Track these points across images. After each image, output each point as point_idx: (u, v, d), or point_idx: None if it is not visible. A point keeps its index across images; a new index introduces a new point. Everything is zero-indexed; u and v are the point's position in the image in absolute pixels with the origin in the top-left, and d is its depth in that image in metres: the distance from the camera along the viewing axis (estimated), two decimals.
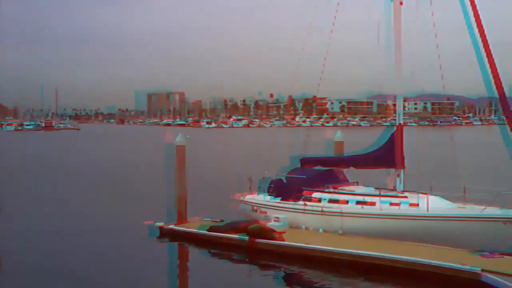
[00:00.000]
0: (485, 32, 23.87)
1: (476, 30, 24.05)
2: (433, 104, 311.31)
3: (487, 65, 23.76)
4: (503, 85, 23.78)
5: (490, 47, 23.83)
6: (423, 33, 26.61)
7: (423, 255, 21.89)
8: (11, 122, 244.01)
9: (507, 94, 23.96)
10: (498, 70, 23.67)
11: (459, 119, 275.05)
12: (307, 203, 27.55)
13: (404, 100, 28.75)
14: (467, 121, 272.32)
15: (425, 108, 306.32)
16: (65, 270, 23.52)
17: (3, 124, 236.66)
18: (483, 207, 23.72)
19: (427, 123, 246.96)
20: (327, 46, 29.91)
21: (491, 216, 23.05)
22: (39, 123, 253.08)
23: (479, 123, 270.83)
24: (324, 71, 30.33)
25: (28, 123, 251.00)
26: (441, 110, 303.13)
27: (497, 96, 23.78)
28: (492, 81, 23.74)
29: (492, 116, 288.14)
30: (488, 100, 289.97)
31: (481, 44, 23.89)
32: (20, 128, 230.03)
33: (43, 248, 26.97)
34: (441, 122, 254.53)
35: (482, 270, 20.18)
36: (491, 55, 23.79)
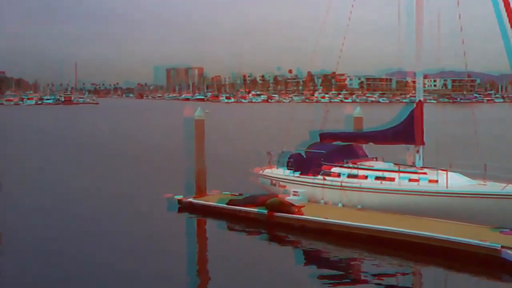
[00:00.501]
0: (511, 5, 23.46)
1: (501, 4, 23.66)
2: (453, 81, 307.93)
3: (511, 40, 23.40)
4: None
5: None
6: (445, 8, 26.30)
7: (442, 231, 21.85)
8: (31, 97, 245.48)
9: None
10: None
11: (480, 96, 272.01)
12: (326, 177, 27.59)
13: (424, 77, 28.52)
14: (489, 98, 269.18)
15: (445, 85, 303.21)
16: (76, 244, 23.75)
17: (23, 98, 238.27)
18: (503, 184, 23.58)
19: (446, 100, 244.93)
20: (347, 22, 29.71)
21: (511, 194, 22.92)
22: (59, 97, 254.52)
23: (501, 100, 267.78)
24: (343, 47, 30.19)
25: (48, 97, 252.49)
26: (462, 87, 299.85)
27: None
28: None
29: None
30: (510, 77, 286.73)
31: (506, 19, 23.49)
32: (40, 102, 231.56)
33: (56, 223, 27.11)
34: (461, 99, 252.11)
35: (502, 247, 20.08)
36: None
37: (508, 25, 23.48)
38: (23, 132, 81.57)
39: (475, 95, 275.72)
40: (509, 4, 23.50)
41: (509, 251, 19.82)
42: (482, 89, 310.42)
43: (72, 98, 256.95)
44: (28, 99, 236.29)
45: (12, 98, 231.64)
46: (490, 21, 24.18)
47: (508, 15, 23.55)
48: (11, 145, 54.99)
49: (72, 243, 23.69)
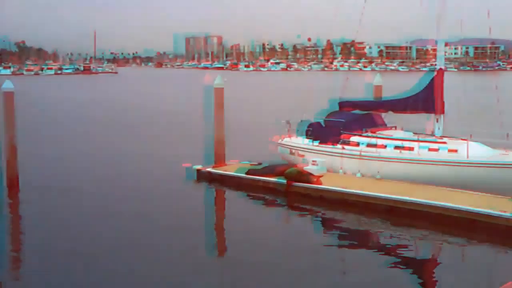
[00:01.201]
0: None
1: None
2: (475, 48, 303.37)
3: None
4: None
5: None
6: None
7: (461, 202, 21.75)
8: (51, 66, 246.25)
9: None
10: None
11: (503, 64, 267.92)
12: (345, 147, 27.47)
13: (445, 45, 28.08)
14: None
15: (466, 53, 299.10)
16: (95, 213, 24.00)
17: (43, 67, 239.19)
18: None
19: (468, 68, 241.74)
20: None
21: None
22: (78, 66, 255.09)
23: None
24: (363, 15, 29.80)
25: (67, 67, 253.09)
26: (484, 54, 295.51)
27: None
28: None
29: None
30: None
31: None
32: (59, 72, 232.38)
33: (74, 195, 27.15)
34: (483, 67, 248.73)
35: None
36: None
37: None
38: (43, 103, 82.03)
39: (498, 62, 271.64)
40: None
41: None
42: (505, 56, 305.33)
43: (91, 67, 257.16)
44: (48, 68, 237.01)
45: (32, 68, 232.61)
46: None
47: None
48: (30, 117, 55.33)
49: (91, 214, 23.91)
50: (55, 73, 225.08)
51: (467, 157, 24.11)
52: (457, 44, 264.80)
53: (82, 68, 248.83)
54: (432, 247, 20.44)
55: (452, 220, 21.26)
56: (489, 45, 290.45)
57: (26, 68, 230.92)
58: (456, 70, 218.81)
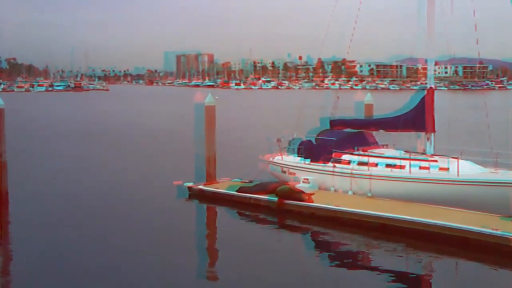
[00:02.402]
0: None
1: None
2: (464, 68, 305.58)
3: None
4: None
5: None
6: None
7: (452, 220, 21.76)
8: (41, 83, 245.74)
9: None
10: None
11: (491, 83, 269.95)
12: (337, 165, 27.50)
13: (435, 64, 28.28)
14: (500, 85, 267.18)
15: (456, 72, 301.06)
16: (88, 231, 23.78)
17: (34, 84, 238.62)
18: None
19: (457, 87, 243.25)
20: (358, 9, 29.49)
21: None
22: (69, 83, 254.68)
23: None
24: (354, 34, 30.01)
25: (58, 84, 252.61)
26: (473, 74, 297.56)
27: None
28: None
29: None
30: None
31: None
32: (50, 89, 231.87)
33: (68, 213, 26.87)
34: (472, 86, 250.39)
35: None
36: None
37: None
38: (34, 119, 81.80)
39: (487, 82, 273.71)
40: None
41: None
42: (494, 75, 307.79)
43: (82, 84, 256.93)
44: (39, 85, 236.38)
45: (23, 85, 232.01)
46: (503, 8, 23.92)
47: None
48: (22, 132, 55.18)
49: (81, 230, 23.76)
50: (46, 90, 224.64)
51: (458, 175, 24.20)
52: (446, 63, 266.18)
53: (73, 85, 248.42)
54: (423, 265, 20.41)
55: (443, 238, 21.26)
56: (477, 65, 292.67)
57: (16, 85, 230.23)
58: (446, 88, 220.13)
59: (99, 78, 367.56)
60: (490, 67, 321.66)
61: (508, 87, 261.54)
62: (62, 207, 27.72)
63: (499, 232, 20.28)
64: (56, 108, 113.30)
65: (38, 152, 46.81)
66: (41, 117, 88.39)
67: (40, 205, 28.01)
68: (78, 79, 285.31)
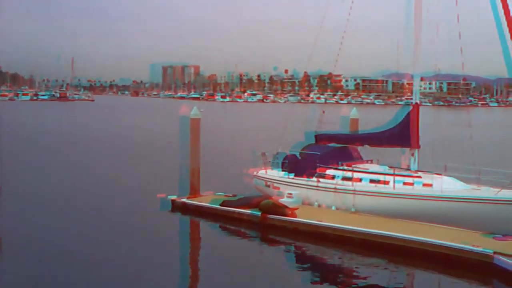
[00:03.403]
0: (510, 8, 23.35)
1: (500, 10, 23.56)
2: (448, 84, 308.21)
3: (510, 44, 23.27)
4: None
5: None
6: (444, 12, 26.21)
7: (435, 236, 21.81)
8: (26, 92, 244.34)
9: None
10: None
11: (474, 100, 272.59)
12: (321, 180, 27.49)
13: (420, 80, 28.45)
14: (483, 102, 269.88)
15: (440, 88, 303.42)
16: (71, 245, 23.46)
17: (18, 93, 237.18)
18: (497, 189, 23.53)
19: (442, 103, 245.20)
20: (345, 23, 29.63)
21: (505, 199, 22.85)
22: (54, 93, 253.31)
23: (496, 104, 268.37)
24: (341, 48, 30.11)
25: (43, 93, 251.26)
26: (457, 90, 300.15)
27: None
28: None
29: (510, 98, 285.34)
30: (506, 81, 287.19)
31: (504, 22, 23.38)
32: (35, 98, 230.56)
33: (52, 226, 26.66)
34: (456, 102, 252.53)
35: (494, 253, 20.08)
36: None
37: (507, 30, 23.38)
38: (18, 129, 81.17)
39: (470, 98, 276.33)
40: (508, 10, 23.42)
41: (501, 257, 19.80)
42: (477, 92, 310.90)
43: (68, 94, 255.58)
44: (23, 94, 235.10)
45: (7, 94, 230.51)
46: (487, 25, 24.12)
47: (507, 21, 23.45)
48: (5, 142, 54.69)
49: (64, 242, 23.53)
50: (31, 99, 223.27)
51: (441, 191, 24.27)
52: (431, 79, 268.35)
53: (58, 95, 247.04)
54: (405, 281, 20.45)
55: (426, 254, 21.28)
56: (461, 81, 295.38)
57: (0, 94, 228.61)
58: (430, 104, 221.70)
59: (85, 88, 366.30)
60: (473, 84, 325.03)
61: (490, 104, 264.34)
62: (42, 218, 27.43)
63: (479, 249, 20.36)
64: (40, 118, 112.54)
65: (21, 162, 46.35)
66: (25, 126, 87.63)
67: (22, 215, 27.68)
68: (64, 89, 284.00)
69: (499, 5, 23.71)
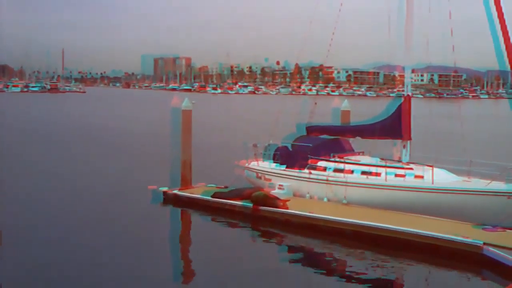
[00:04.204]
0: (501, 1, 23.43)
1: (491, 3, 23.63)
2: (440, 76, 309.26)
3: (501, 37, 23.35)
4: None
5: (505, 17, 23.39)
6: (435, 3, 26.22)
7: (426, 228, 21.91)
8: (16, 84, 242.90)
9: None
10: None
11: (465, 92, 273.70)
12: (312, 171, 27.53)
13: (412, 72, 28.50)
14: (474, 94, 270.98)
15: (431, 80, 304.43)
16: (65, 238, 23.36)
17: (8, 85, 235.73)
18: (488, 181, 23.66)
19: (433, 95, 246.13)
20: (337, 15, 29.60)
21: (495, 191, 22.99)
22: (45, 85, 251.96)
23: (486, 96, 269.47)
24: (332, 40, 30.10)
25: (33, 85, 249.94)
26: (448, 82, 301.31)
27: (509, 69, 23.44)
28: (505, 53, 23.37)
29: (500, 90, 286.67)
30: (497, 73, 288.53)
31: (495, 15, 23.45)
32: (25, 90, 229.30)
33: (43, 218, 26.46)
34: (447, 94, 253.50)
35: (484, 244, 20.22)
36: (506, 26, 23.38)
37: (497, 22, 23.46)
38: (9, 121, 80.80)
39: (461, 90, 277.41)
40: (499, 2, 23.49)
41: (490, 248, 19.94)
42: (468, 84, 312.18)
43: (59, 86, 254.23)
44: (13, 86, 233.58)
45: None
46: (479, 17, 24.16)
47: (498, 13, 23.52)
48: None
49: (55, 234, 23.50)
50: (21, 91, 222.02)
51: (432, 183, 24.37)
52: (423, 71, 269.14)
53: (49, 87, 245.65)
54: (396, 272, 20.51)
55: (417, 246, 21.38)
56: (452, 73, 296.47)
57: None
58: (422, 96, 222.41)
59: (76, 80, 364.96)
60: (464, 76, 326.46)
61: (481, 96, 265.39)
62: (33, 210, 27.36)
63: (469, 240, 20.50)
64: (31, 110, 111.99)
65: (12, 155, 46.16)
66: (16, 118, 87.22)
67: (10, 207, 27.59)
68: (54, 81, 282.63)
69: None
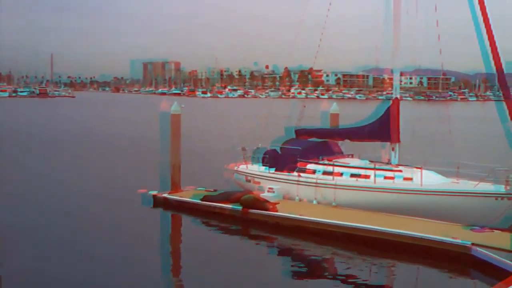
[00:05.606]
0: (485, 5, 23.65)
1: (477, 6, 23.84)
2: (429, 79, 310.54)
3: (486, 40, 23.56)
4: (501, 60, 23.65)
5: (490, 21, 23.62)
6: (423, 7, 26.39)
7: (415, 229, 22.00)
8: (4, 89, 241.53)
9: (504, 70, 23.83)
10: (497, 45, 23.50)
11: (454, 95, 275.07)
12: (301, 174, 27.58)
13: (400, 75, 28.63)
14: (462, 96, 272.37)
15: (420, 83, 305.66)
16: (53, 243, 23.31)
17: None
18: (476, 182, 23.81)
19: (422, 97, 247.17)
20: (325, 18, 29.70)
21: (483, 192, 23.16)
22: (34, 90, 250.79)
23: (474, 99, 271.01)
24: (321, 43, 30.22)
25: (22, 89, 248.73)
26: (437, 85, 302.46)
27: (495, 72, 23.64)
28: (491, 56, 23.58)
29: (488, 93, 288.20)
30: (484, 76, 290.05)
31: (480, 18, 23.66)
32: (14, 94, 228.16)
33: (32, 222, 26.36)
34: (436, 97, 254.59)
35: (472, 244, 20.36)
36: (491, 30, 23.60)
37: (483, 25, 23.67)
38: None
39: (450, 93, 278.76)
40: (484, 6, 23.71)
41: (479, 249, 20.08)
42: (456, 87, 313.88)
43: (48, 91, 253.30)
44: (1, 91, 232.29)
45: None
46: (466, 21, 24.35)
47: (483, 17, 23.72)
48: None
49: (44, 237, 23.41)
50: (10, 96, 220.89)
51: (421, 185, 24.49)
52: (412, 73, 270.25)
53: (38, 92, 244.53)
54: (386, 273, 20.59)
55: (406, 247, 21.48)
56: (441, 76, 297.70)
57: None
58: (411, 99, 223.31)
59: (65, 85, 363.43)
60: (453, 79, 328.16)
61: (469, 99, 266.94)
62: (22, 213, 27.24)
63: (459, 241, 20.63)
64: (20, 114, 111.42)
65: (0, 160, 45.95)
66: (5, 123, 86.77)
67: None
68: (43, 86, 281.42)
69: (476, 2, 23.97)
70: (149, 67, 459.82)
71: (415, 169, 25.69)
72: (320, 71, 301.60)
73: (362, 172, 26.46)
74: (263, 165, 29.38)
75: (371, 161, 27.87)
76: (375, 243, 22.17)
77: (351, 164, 27.52)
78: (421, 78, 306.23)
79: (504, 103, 23.32)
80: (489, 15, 23.69)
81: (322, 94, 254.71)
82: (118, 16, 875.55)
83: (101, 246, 22.53)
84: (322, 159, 28.00)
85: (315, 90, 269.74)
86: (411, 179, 25.19)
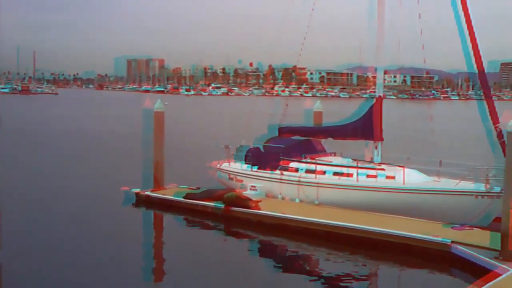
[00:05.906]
0: (468, 5, 23.85)
1: (459, 6, 24.01)
2: (412, 77, 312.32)
3: (468, 40, 23.75)
4: (482, 60, 23.87)
5: (472, 21, 23.83)
6: (406, 6, 26.47)
7: (397, 227, 22.14)
8: None
9: (486, 69, 24.06)
10: (479, 45, 23.72)
11: (437, 93, 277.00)
12: (284, 172, 27.60)
13: (384, 73, 28.74)
14: (445, 95, 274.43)
15: (404, 81, 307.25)
16: (35, 240, 23.18)
17: None
18: (457, 181, 24.01)
19: (406, 96, 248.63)
20: (309, 17, 29.71)
21: (463, 190, 23.36)
22: (15, 86, 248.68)
23: (457, 98, 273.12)
24: (305, 41, 30.25)
25: (3, 86, 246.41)
26: (420, 83, 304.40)
27: (477, 71, 23.84)
28: (473, 56, 23.78)
29: (470, 91, 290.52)
30: (466, 75, 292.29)
31: (463, 18, 23.86)
32: None
33: (14, 220, 25.86)
34: (419, 95, 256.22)
35: (452, 242, 20.55)
36: (472, 29, 23.81)
37: (465, 25, 23.87)
38: None
39: (433, 92, 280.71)
40: (467, 6, 23.90)
41: (459, 246, 20.28)
42: (439, 86, 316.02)
43: (30, 87, 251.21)
44: None
45: None
46: (447, 21, 24.54)
47: (465, 16, 23.92)
48: None
49: (25, 235, 23.24)
50: None
51: (403, 183, 24.62)
52: (395, 72, 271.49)
53: (20, 88, 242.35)
54: (368, 271, 20.69)
55: (388, 245, 21.59)
56: (424, 75, 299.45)
57: None
58: (395, 97, 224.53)
59: (48, 81, 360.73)
60: (436, 78, 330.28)
61: (452, 98, 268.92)
62: (5, 213, 27.01)
63: (439, 239, 20.80)
64: (1, 111, 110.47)
65: None
66: None
67: None
68: (26, 82, 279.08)
69: (458, 2, 24.16)
70: (133, 64, 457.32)
71: (397, 167, 25.82)
72: (304, 69, 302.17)
73: (344, 170, 26.54)
74: (246, 163, 29.37)
75: (354, 160, 27.97)
76: (357, 241, 22.25)
77: (333, 163, 27.58)
78: (405, 76, 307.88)
79: (485, 102, 23.54)
80: (471, 16, 23.90)
81: (306, 92, 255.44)
82: (102, 13, 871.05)
83: (82, 243, 22.40)
84: (305, 157, 28.04)
85: (299, 88, 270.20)
86: (393, 177, 25.31)
